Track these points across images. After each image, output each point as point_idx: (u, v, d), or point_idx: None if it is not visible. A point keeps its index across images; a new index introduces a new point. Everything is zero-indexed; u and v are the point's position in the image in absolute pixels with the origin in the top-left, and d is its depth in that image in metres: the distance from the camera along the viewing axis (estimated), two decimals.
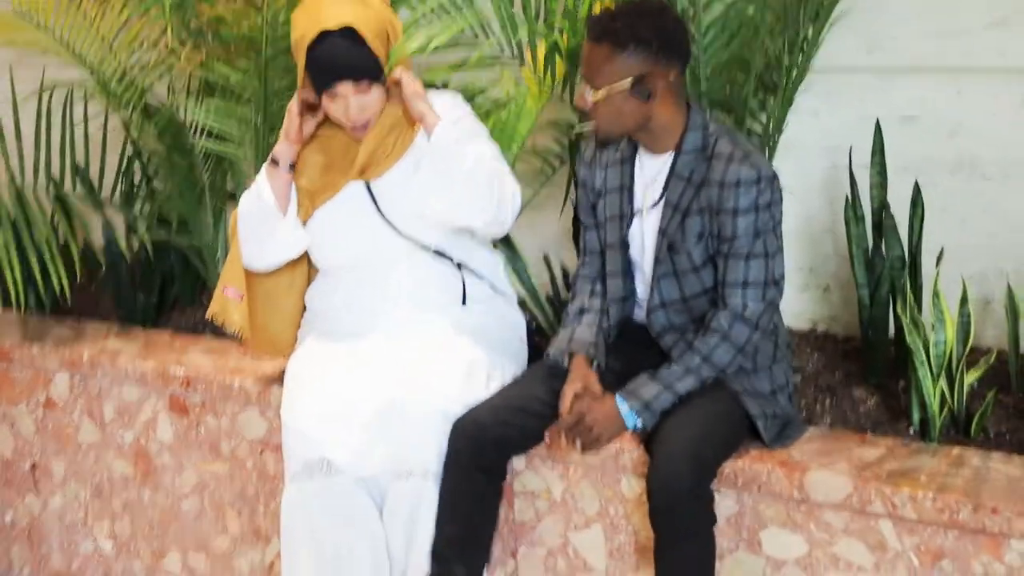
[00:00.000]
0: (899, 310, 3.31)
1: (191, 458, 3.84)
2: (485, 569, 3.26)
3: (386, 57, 3.38)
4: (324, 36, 3.31)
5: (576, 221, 3.54)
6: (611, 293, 3.26)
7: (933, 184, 3.64)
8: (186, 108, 4.06)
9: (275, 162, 3.44)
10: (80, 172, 4.49)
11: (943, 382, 3.19)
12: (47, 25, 4.02)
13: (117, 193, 4.52)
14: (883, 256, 3.51)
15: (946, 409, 3.22)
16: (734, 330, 3.03)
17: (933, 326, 3.18)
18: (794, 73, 3.52)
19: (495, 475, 3.21)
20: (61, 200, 4.52)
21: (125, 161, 4.56)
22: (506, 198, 3.36)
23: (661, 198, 3.13)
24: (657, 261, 3.14)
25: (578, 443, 3.11)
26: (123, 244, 4.49)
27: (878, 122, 3.57)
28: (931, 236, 3.54)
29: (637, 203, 3.19)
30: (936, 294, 3.20)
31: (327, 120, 3.46)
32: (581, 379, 3.13)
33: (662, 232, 3.12)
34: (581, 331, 3.23)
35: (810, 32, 3.51)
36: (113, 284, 4.47)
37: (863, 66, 3.75)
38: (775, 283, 3.07)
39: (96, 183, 4.53)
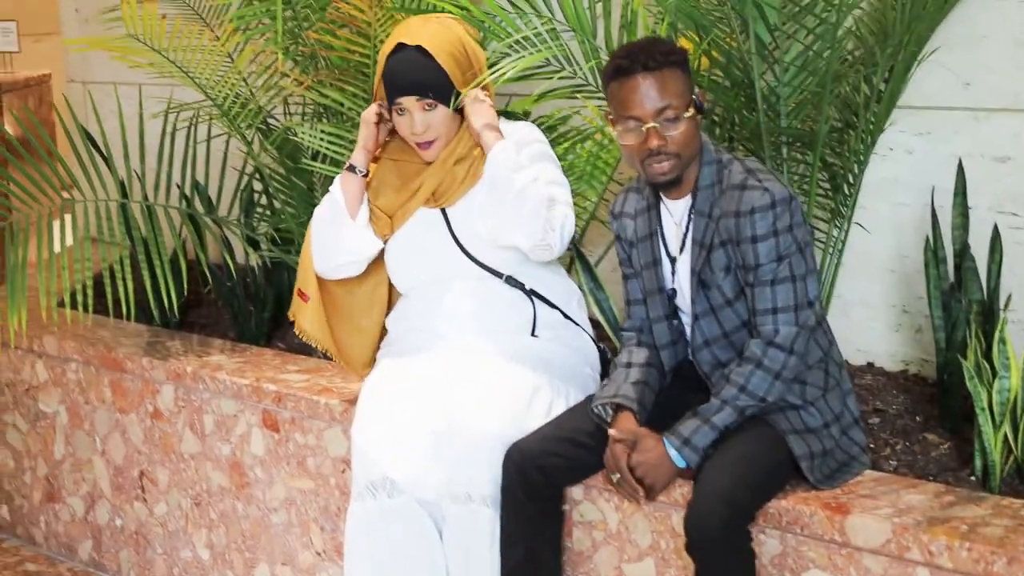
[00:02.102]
0: (967, 355, 3.30)
1: (280, 473, 4.02)
2: None
3: (462, 83, 3.52)
4: (399, 50, 3.49)
5: None
6: (658, 339, 3.33)
7: None
8: (298, 131, 4.26)
9: (351, 168, 3.62)
10: (199, 189, 4.74)
11: (1007, 429, 3.18)
12: (160, 49, 4.25)
13: (235, 211, 4.75)
14: (959, 299, 3.50)
15: (1011, 458, 3.20)
16: (768, 357, 3.07)
17: (996, 373, 3.17)
18: (874, 111, 3.54)
19: (547, 502, 3.31)
20: (191, 217, 4.77)
21: (244, 180, 4.80)
22: (555, 223, 3.43)
23: (686, 237, 3.20)
24: (693, 300, 3.21)
25: (639, 492, 3.17)
26: (238, 261, 4.72)
27: (960, 163, 3.56)
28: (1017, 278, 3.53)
29: (671, 248, 3.27)
30: (1003, 340, 3.19)
31: (404, 144, 3.62)
32: (627, 432, 3.17)
33: (693, 270, 3.19)
34: (626, 388, 3.27)
35: (893, 70, 3.53)
36: (229, 300, 4.70)
37: (959, 104, 3.74)
38: (808, 305, 3.09)
39: (214, 201, 4.77)
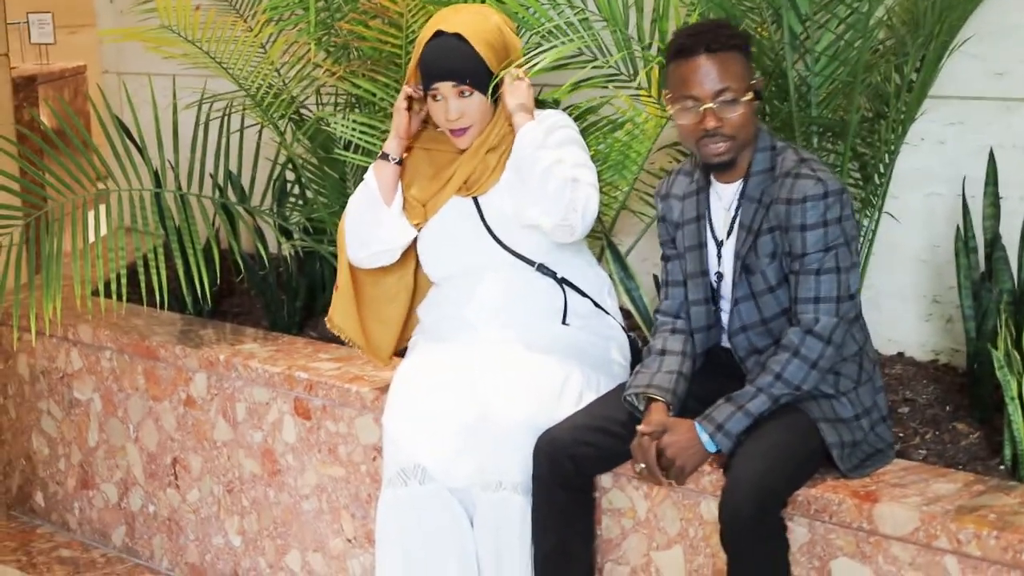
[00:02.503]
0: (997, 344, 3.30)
1: (312, 460, 4.05)
2: None
3: (499, 71, 3.54)
4: (437, 37, 3.53)
5: None
6: (695, 321, 3.34)
7: None
8: (331, 121, 4.28)
9: (384, 156, 3.66)
10: (232, 179, 4.78)
11: None
12: (194, 39, 4.28)
13: (267, 201, 4.79)
14: (990, 289, 3.50)
15: None
16: (805, 345, 3.08)
17: None
18: (905, 101, 3.54)
19: (578, 491, 3.33)
20: (224, 207, 4.81)
21: (277, 170, 4.83)
22: (577, 205, 3.45)
23: (734, 222, 3.21)
24: (735, 284, 3.22)
25: (664, 477, 3.19)
26: (270, 251, 4.75)
27: (992, 153, 3.57)
28: None
29: (717, 232, 3.28)
30: None
31: (437, 133, 3.64)
32: (656, 424, 3.18)
33: (737, 255, 3.20)
34: (660, 377, 3.28)
35: (924, 60, 3.53)
36: (262, 290, 4.73)
37: (991, 94, 3.74)
38: (850, 298, 3.11)
39: (247, 190, 4.81)
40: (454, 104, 3.53)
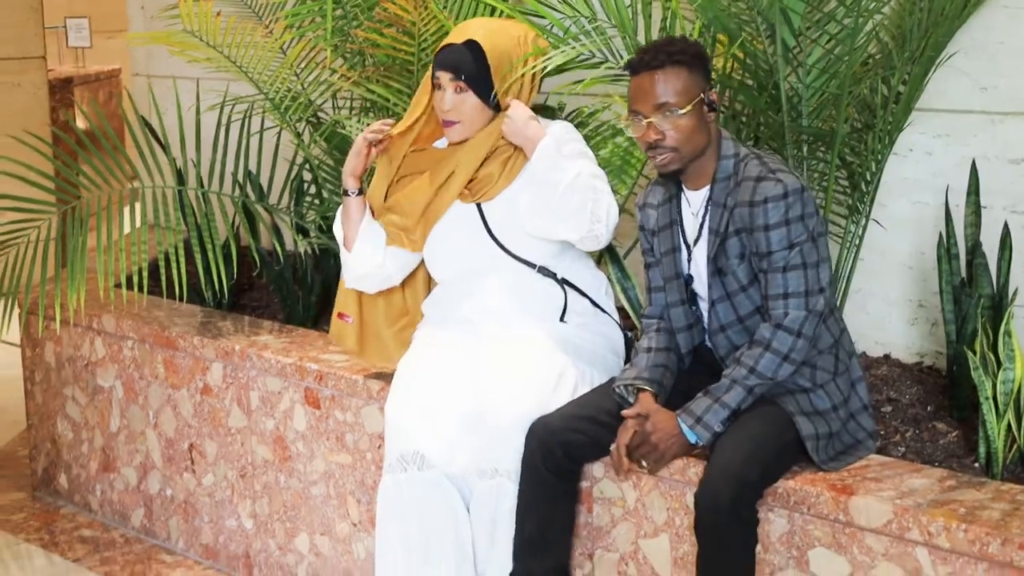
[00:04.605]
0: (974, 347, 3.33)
1: (320, 448, 4.10)
2: (569, 568, 3.43)
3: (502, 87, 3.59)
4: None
5: None
6: (675, 323, 3.40)
7: None
8: (346, 124, 4.33)
9: (345, 193, 3.74)
10: (252, 178, 4.83)
11: (1011, 418, 3.21)
12: (216, 44, 4.33)
13: (284, 200, 4.84)
14: (970, 294, 3.53)
15: (1014, 446, 3.24)
16: (776, 339, 3.13)
17: (1001, 364, 3.20)
18: (892, 112, 3.57)
19: (566, 478, 3.37)
20: (245, 205, 4.86)
21: (294, 170, 4.89)
22: (601, 215, 3.52)
23: (703, 227, 3.26)
24: (710, 286, 3.27)
25: (644, 464, 3.24)
26: (287, 248, 4.80)
27: (974, 163, 3.60)
28: None
29: (688, 236, 3.33)
30: (1008, 332, 3.22)
31: (414, 144, 3.74)
32: (643, 410, 3.25)
33: (708, 258, 3.26)
34: (647, 371, 3.34)
35: (911, 74, 3.56)
36: (279, 285, 4.78)
37: (976, 107, 3.77)
38: (819, 291, 3.16)
39: (265, 189, 4.86)
40: (449, 96, 3.60)
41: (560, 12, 3.69)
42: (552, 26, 3.73)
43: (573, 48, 3.64)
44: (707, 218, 3.26)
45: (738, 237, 3.20)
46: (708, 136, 3.23)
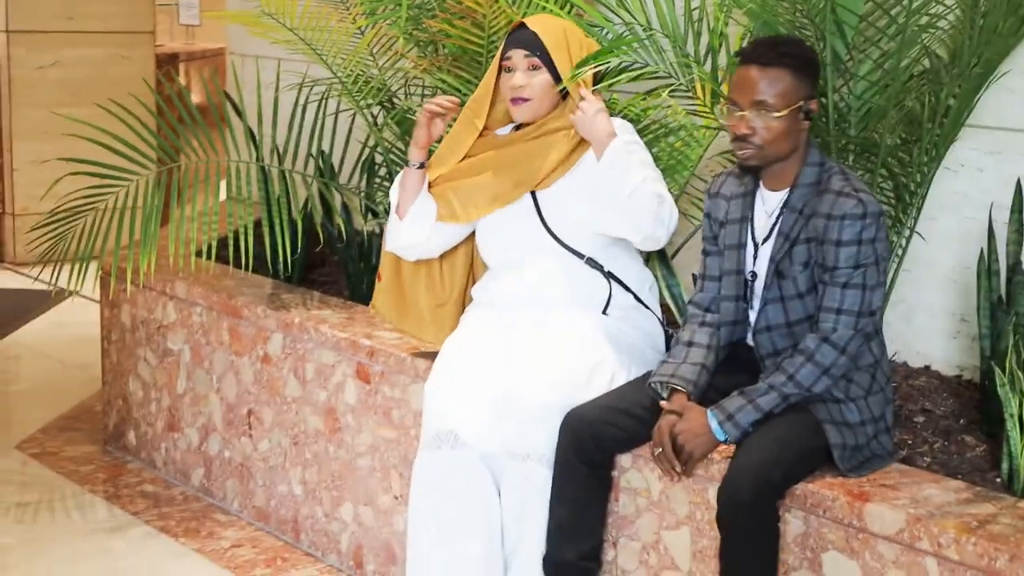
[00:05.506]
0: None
1: (368, 421, 4.14)
2: (600, 553, 3.44)
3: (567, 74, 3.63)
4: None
5: None
6: (723, 316, 3.38)
7: None
8: (416, 111, 4.37)
9: (407, 163, 3.78)
10: (324, 158, 4.89)
11: None
12: (292, 27, 4.39)
13: (354, 180, 4.89)
14: (1006, 311, 3.48)
15: None
16: (820, 352, 3.11)
17: None
18: (938, 128, 3.53)
19: (598, 468, 3.39)
20: (323, 184, 4.92)
21: (366, 152, 4.94)
22: (663, 218, 3.53)
23: (774, 228, 3.24)
24: (766, 286, 3.25)
25: (677, 464, 3.24)
26: (355, 227, 4.86)
27: (1019, 182, 3.55)
28: None
29: (757, 235, 3.31)
30: None
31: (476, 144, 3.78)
32: (678, 407, 3.25)
33: (772, 259, 3.23)
34: (684, 369, 3.33)
35: (960, 88, 3.52)
36: (345, 262, 4.84)
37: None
38: (870, 314, 3.14)
39: (336, 169, 4.92)
40: (521, 74, 3.63)
41: (616, 17, 3.69)
42: (606, 31, 3.73)
43: (625, 52, 3.64)
44: (780, 220, 3.24)
45: (807, 245, 3.19)
46: (796, 142, 3.20)
